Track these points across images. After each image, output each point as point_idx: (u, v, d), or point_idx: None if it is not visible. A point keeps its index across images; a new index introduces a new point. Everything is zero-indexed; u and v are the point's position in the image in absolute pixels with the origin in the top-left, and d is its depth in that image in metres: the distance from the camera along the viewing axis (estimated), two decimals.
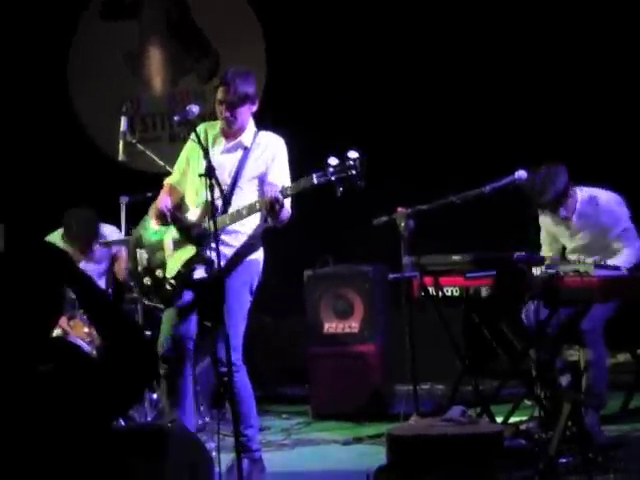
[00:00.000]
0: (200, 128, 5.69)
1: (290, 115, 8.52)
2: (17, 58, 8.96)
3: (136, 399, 4.35)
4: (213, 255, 5.13)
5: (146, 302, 6.71)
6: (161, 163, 6.38)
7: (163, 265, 5.74)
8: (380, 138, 8.32)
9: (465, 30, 8.23)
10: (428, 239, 5.93)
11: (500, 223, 7.58)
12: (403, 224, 5.86)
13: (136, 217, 6.82)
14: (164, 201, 5.69)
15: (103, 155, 8.63)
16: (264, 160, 5.65)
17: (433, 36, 8.29)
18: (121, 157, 6.39)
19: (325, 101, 8.43)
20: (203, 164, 5.16)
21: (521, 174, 5.95)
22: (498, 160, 6.41)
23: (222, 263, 5.11)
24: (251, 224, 5.67)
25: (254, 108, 5.72)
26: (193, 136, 5.38)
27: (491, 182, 5.94)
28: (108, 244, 7.07)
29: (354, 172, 5.26)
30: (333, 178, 5.29)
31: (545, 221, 6.36)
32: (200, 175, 5.08)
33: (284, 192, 5.44)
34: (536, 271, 5.59)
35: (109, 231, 7.19)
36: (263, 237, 5.78)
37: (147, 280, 5.79)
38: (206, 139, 5.68)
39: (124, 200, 7.01)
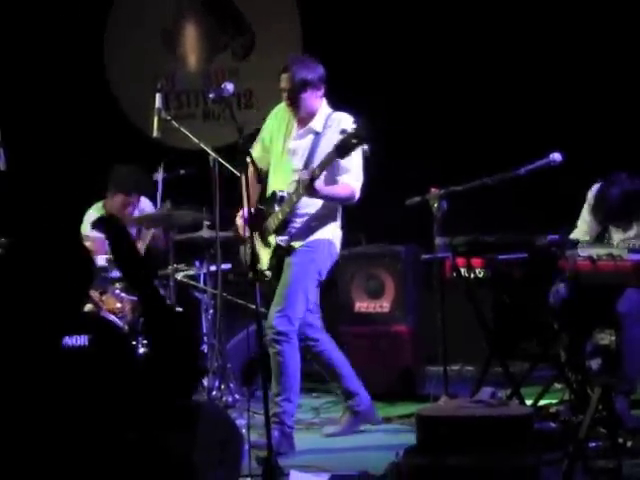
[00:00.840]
0: (277, 111, 5.83)
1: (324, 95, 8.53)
2: (54, 36, 9.00)
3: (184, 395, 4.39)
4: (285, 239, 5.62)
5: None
6: (195, 140, 6.40)
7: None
8: (415, 119, 8.32)
9: (494, 22, 8.21)
10: (461, 220, 5.92)
11: (533, 205, 7.56)
12: (436, 205, 5.86)
13: (169, 194, 6.87)
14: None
15: (135, 129, 8.67)
16: (334, 141, 5.64)
17: (462, 26, 8.27)
18: (155, 134, 6.41)
19: (360, 82, 8.41)
20: (286, 144, 5.71)
21: (555, 156, 5.92)
22: (532, 142, 6.38)
23: (289, 242, 5.62)
24: (316, 205, 5.78)
25: (319, 93, 5.81)
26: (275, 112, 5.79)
27: (525, 164, 5.92)
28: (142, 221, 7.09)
29: (362, 133, 5.39)
30: (353, 141, 5.38)
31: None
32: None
33: (314, 173, 5.50)
34: (569, 254, 5.57)
35: (148, 205, 7.21)
36: (335, 218, 5.88)
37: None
38: (287, 124, 5.87)
39: (158, 177, 7.05)
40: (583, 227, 6.34)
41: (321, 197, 5.72)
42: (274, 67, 8.88)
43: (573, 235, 6.29)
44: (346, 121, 5.72)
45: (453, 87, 8.25)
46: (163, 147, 7.28)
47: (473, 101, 8.20)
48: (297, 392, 5.78)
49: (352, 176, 5.76)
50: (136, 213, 7.13)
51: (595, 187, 6.25)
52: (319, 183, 5.60)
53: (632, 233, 6.15)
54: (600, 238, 6.27)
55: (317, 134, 5.79)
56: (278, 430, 5.60)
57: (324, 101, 5.89)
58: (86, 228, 6.91)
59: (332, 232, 5.87)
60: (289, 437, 5.72)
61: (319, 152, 5.72)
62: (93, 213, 7.08)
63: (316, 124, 5.81)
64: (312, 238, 5.78)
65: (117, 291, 6.74)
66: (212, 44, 9.29)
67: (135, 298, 6.75)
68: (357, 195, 5.78)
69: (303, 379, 7.62)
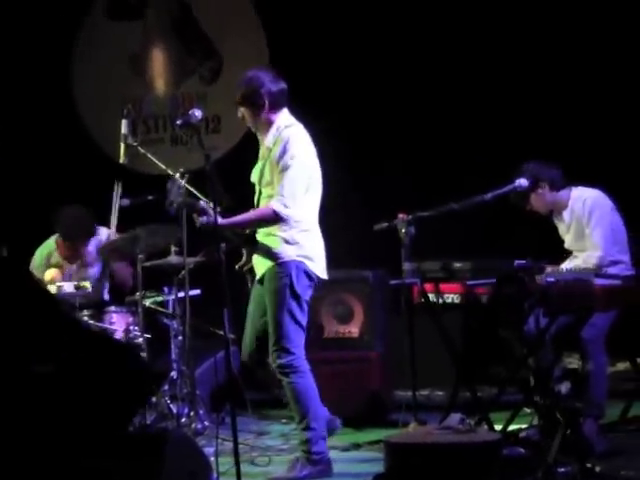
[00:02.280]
0: None
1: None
2: (21, 57, 8.97)
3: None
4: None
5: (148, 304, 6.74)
6: (162, 166, 6.37)
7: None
8: (382, 144, 8.33)
9: (466, 37, 8.23)
10: (429, 245, 5.93)
11: (501, 230, 7.58)
12: (404, 230, 5.86)
13: (137, 220, 6.83)
14: None
15: (105, 156, 8.64)
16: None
17: (436, 43, 8.29)
18: (122, 160, 6.38)
19: (326, 107, 8.43)
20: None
21: (521, 182, 5.97)
22: (499, 167, 6.41)
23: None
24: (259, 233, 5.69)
25: (261, 108, 5.62)
26: None
27: (492, 189, 5.95)
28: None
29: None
30: None
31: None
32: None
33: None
34: (536, 279, 5.58)
35: (105, 233, 7.18)
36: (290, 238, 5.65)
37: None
38: None
39: (125, 203, 7.03)
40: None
41: (236, 226, 5.61)
42: None
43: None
44: (286, 133, 5.59)
45: (420, 114, 8.27)
46: (132, 172, 7.25)
47: (439, 128, 8.23)
48: (317, 418, 5.62)
49: (276, 195, 5.54)
50: (92, 247, 7.11)
51: None
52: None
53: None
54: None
55: (270, 150, 5.64)
56: (302, 460, 5.57)
57: (280, 115, 5.69)
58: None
59: (295, 251, 5.63)
60: (320, 463, 5.60)
61: (265, 170, 5.62)
62: (43, 250, 7.16)
63: (268, 141, 5.67)
64: (276, 263, 5.64)
65: (85, 318, 6.70)
66: (180, 68, 9.28)
67: (103, 325, 6.72)
68: (282, 212, 5.49)
69: (273, 405, 7.67)
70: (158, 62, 9.34)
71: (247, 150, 8.66)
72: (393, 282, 6.20)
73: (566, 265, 5.98)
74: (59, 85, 9.13)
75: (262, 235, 5.65)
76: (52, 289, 6.61)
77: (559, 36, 8.01)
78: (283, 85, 5.71)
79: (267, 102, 5.62)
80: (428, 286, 5.98)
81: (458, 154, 8.11)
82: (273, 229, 5.59)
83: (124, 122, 6.39)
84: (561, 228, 6.34)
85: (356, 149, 8.36)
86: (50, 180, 8.71)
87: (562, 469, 5.08)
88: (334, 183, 8.25)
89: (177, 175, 5.78)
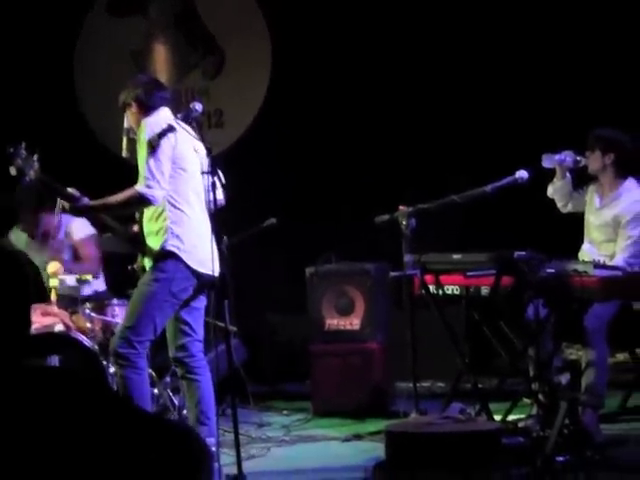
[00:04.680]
0: None
1: (294, 114, 8.58)
2: (23, 53, 9.00)
3: None
4: None
5: None
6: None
7: None
8: (383, 136, 8.37)
9: (469, 31, 8.26)
10: (429, 237, 5.97)
11: (501, 222, 7.62)
12: (405, 222, 5.90)
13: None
14: None
15: (108, 151, 8.67)
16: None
17: (439, 37, 8.32)
18: (124, 154, 6.41)
19: (329, 101, 8.47)
20: None
21: (522, 174, 6.00)
22: (500, 159, 6.45)
23: None
24: (145, 221, 5.58)
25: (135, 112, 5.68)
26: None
27: (493, 181, 5.98)
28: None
29: None
30: None
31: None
32: None
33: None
34: (536, 270, 5.62)
35: (77, 225, 7.11)
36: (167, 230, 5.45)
37: None
38: None
39: None
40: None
41: (99, 211, 5.62)
42: (244, 86, 9.05)
43: None
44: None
45: (422, 106, 8.31)
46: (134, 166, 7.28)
47: (441, 119, 8.26)
48: None
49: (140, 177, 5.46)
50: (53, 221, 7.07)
51: None
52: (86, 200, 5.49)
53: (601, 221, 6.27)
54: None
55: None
56: None
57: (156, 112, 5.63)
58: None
59: (178, 245, 5.41)
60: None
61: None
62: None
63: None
64: (156, 255, 5.47)
65: (87, 311, 6.74)
66: (182, 63, 9.31)
67: (106, 318, 6.76)
68: (146, 194, 5.34)
69: (274, 398, 7.72)
70: (160, 57, 9.37)
71: (250, 143, 8.80)
72: (394, 274, 6.24)
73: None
74: (61, 80, 9.15)
75: (147, 230, 5.57)
76: (54, 282, 6.64)
77: (554, 29, 8.04)
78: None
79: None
80: (429, 278, 6.02)
81: (460, 146, 8.14)
82: (152, 222, 5.51)
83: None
84: (592, 200, 6.34)
85: (358, 141, 8.40)
86: (51, 174, 8.74)
87: (561, 458, 5.11)
88: (335, 176, 8.38)
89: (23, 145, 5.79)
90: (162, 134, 5.44)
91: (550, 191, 6.48)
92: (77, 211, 5.64)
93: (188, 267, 5.41)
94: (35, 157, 5.72)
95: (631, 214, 6.14)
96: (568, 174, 6.41)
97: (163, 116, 5.63)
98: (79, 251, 7.07)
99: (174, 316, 5.52)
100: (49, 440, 2.56)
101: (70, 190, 5.56)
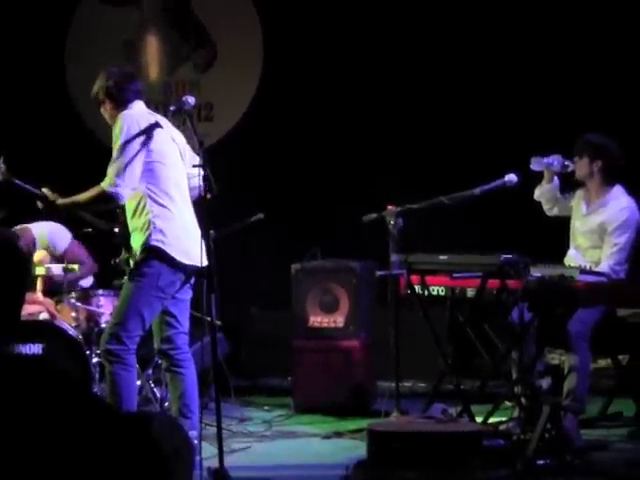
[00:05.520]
0: None
1: (284, 109, 8.58)
2: (14, 42, 8.97)
3: None
4: None
5: None
6: None
7: None
8: (375, 135, 8.38)
9: (459, 30, 8.28)
10: (417, 238, 5.98)
11: (489, 225, 7.64)
12: (392, 222, 5.92)
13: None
14: None
15: (98, 142, 8.65)
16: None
17: (429, 36, 8.33)
18: None
19: (320, 98, 8.47)
20: None
21: (511, 177, 6.02)
22: (489, 163, 6.47)
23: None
24: (130, 218, 5.59)
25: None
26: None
27: (481, 184, 6.00)
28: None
29: None
30: None
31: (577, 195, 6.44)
32: None
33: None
34: (522, 274, 5.63)
35: (56, 238, 7.06)
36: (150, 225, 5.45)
37: None
38: None
39: None
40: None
41: (69, 209, 5.61)
42: (235, 80, 9.04)
43: None
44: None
45: (412, 107, 8.32)
46: None
47: (431, 121, 8.27)
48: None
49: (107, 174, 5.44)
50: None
51: None
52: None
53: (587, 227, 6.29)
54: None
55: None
56: None
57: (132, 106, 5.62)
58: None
59: (162, 239, 5.41)
60: None
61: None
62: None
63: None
64: (142, 251, 5.46)
65: (72, 300, 6.74)
66: (174, 56, 9.30)
67: (91, 308, 6.76)
68: (112, 192, 5.32)
69: (256, 393, 7.73)
70: (152, 49, 9.35)
71: (240, 137, 8.80)
72: (380, 273, 6.25)
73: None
74: (53, 70, 9.13)
75: (132, 227, 5.56)
76: (40, 270, 6.64)
77: (544, 31, 8.06)
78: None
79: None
80: (415, 278, 6.03)
81: (449, 148, 8.15)
82: (136, 217, 5.49)
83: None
84: (579, 206, 6.37)
85: (348, 138, 8.41)
86: (42, 166, 8.70)
87: (541, 462, 5.13)
88: (324, 173, 8.39)
89: None
90: (137, 131, 5.41)
91: (537, 194, 6.51)
92: (50, 210, 5.58)
93: (173, 260, 5.40)
94: (1, 159, 5.69)
95: (617, 222, 6.16)
96: (556, 178, 6.43)
97: (138, 110, 5.61)
98: (69, 259, 6.96)
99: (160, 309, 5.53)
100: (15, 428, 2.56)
101: (43, 190, 5.55)
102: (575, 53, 7.95)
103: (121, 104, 5.59)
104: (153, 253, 5.40)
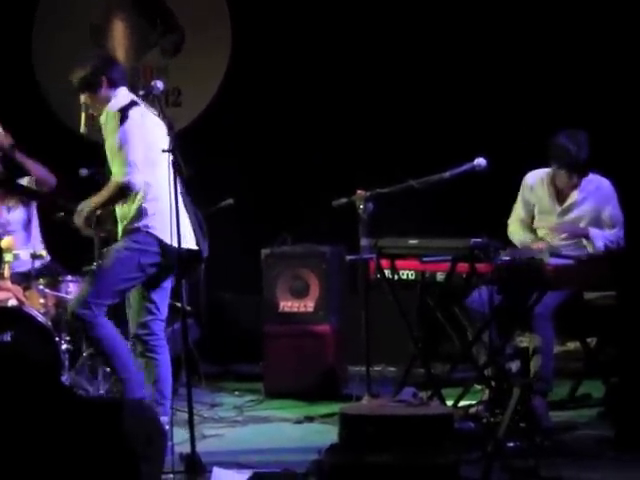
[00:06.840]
0: None
1: (254, 96, 8.56)
2: None
3: None
4: None
5: None
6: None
7: None
8: (344, 119, 8.37)
9: (431, 25, 8.29)
10: (386, 222, 5.99)
11: (459, 208, 7.66)
12: (362, 206, 5.92)
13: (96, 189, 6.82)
14: None
15: (64, 127, 8.61)
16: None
17: (400, 21, 8.34)
18: (82, 129, 6.36)
19: (288, 83, 8.46)
20: None
21: (480, 161, 6.03)
22: (458, 146, 6.47)
23: None
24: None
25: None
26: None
27: (451, 168, 6.01)
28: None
29: None
30: None
31: (534, 194, 6.43)
32: None
33: None
34: (492, 257, 5.65)
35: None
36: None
37: None
38: None
39: (84, 172, 6.99)
40: (518, 213, 6.48)
41: (97, 210, 5.66)
42: (203, 66, 9.00)
43: (510, 220, 6.43)
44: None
45: (382, 90, 8.32)
46: (91, 142, 7.23)
47: (400, 105, 8.28)
48: (126, 367, 5.51)
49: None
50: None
51: (530, 174, 6.40)
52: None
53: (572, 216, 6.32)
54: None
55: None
56: None
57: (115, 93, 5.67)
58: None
59: (154, 224, 5.48)
60: None
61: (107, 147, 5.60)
62: None
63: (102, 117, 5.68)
64: (130, 229, 5.54)
65: (41, 287, 6.70)
66: (141, 41, 9.24)
67: (59, 294, 6.72)
68: (126, 182, 5.42)
69: (227, 378, 7.73)
70: (119, 33, 9.28)
71: (207, 123, 8.77)
72: (350, 257, 6.26)
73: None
74: (19, 53, 9.06)
75: (120, 213, 5.62)
76: (8, 257, 6.59)
77: (534, 22, 8.08)
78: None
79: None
80: (384, 262, 6.03)
81: (418, 132, 8.16)
82: (127, 204, 5.55)
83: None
84: (545, 205, 6.41)
85: (318, 124, 8.40)
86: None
87: (511, 444, 5.17)
88: (294, 158, 8.38)
89: None
90: (129, 121, 5.45)
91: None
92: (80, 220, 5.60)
93: (161, 242, 5.44)
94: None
95: (606, 194, 6.27)
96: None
97: (125, 95, 5.61)
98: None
99: (141, 294, 5.57)
100: None
101: (26, 180, 5.54)
102: (544, 43, 7.98)
103: (106, 91, 5.64)
104: (142, 231, 5.47)
